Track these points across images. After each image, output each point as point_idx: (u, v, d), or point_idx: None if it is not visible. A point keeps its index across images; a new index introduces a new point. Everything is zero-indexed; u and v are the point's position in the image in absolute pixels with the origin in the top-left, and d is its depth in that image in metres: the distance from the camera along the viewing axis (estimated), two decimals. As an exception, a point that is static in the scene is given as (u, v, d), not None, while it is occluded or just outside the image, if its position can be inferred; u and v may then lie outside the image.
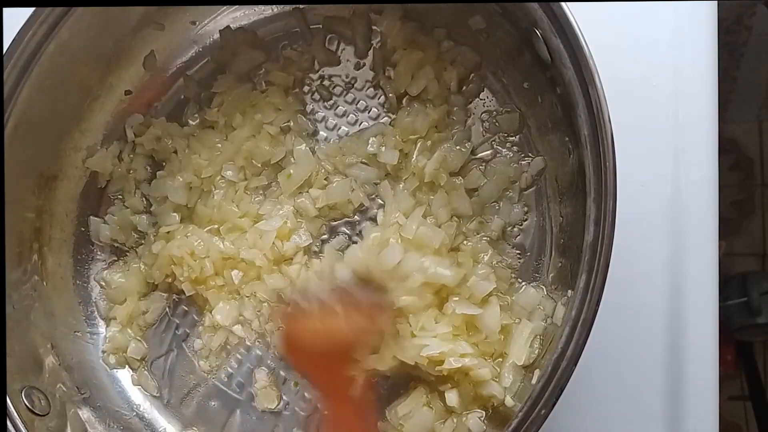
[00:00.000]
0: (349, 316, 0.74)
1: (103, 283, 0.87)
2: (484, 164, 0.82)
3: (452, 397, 0.73)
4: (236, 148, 0.86)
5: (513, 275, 0.79)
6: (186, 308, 0.87)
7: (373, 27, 0.87)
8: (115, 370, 0.85)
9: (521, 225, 0.81)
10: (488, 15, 0.78)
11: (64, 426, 0.74)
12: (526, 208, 0.81)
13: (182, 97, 0.90)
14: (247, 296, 0.84)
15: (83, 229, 0.87)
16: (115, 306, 0.86)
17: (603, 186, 0.60)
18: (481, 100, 0.84)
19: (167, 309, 0.87)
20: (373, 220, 0.84)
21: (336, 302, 0.75)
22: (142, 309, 0.86)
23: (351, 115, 0.87)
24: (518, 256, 0.80)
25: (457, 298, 0.76)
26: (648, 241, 0.78)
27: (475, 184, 0.82)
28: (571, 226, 0.75)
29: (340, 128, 0.87)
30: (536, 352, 0.73)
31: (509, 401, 0.72)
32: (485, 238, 0.80)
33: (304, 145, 0.85)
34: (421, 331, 0.75)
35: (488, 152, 0.83)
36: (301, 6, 0.87)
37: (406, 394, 0.78)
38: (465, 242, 0.80)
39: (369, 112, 0.87)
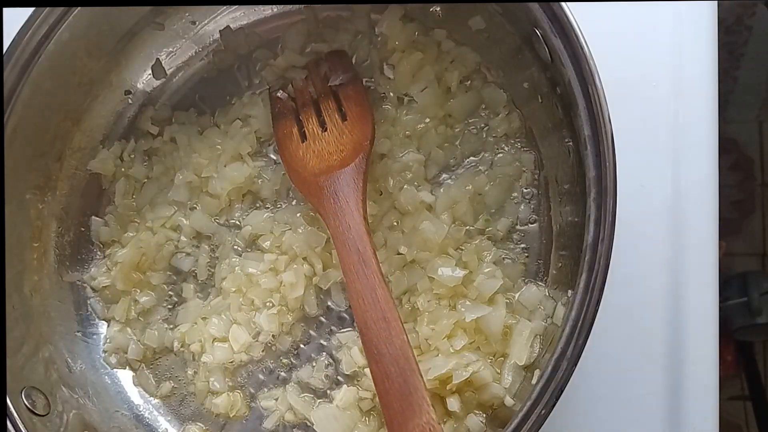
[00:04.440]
0: None
1: (93, 283, 0.86)
2: (484, 165, 0.82)
3: (454, 403, 0.72)
4: (237, 143, 0.86)
5: (523, 270, 0.78)
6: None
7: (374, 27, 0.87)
8: (115, 370, 0.85)
9: (524, 225, 0.81)
10: (488, 15, 0.78)
11: (64, 426, 0.74)
12: (532, 207, 0.81)
13: (182, 97, 0.90)
14: (237, 323, 0.82)
15: (83, 229, 0.87)
16: (111, 306, 0.86)
17: (603, 186, 0.60)
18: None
19: (168, 311, 0.86)
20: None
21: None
22: (138, 302, 0.85)
23: (351, 115, 0.87)
24: (520, 255, 0.80)
25: (469, 303, 0.75)
26: (648, 241, 0.78)
27: (476, 184, 0.81)
28: (571, 226, 0.74)
29: (340, 128, 0.87)
30: (536, 352, 0.73)
31: (509, 401, 0.71)
32: (488, 237, 0.80)
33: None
34: (434, 351, 0.74)
35: (489, 152, 0.83)
36: (302, 6, 0.87)
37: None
38: (468, 242, 0.80)
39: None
